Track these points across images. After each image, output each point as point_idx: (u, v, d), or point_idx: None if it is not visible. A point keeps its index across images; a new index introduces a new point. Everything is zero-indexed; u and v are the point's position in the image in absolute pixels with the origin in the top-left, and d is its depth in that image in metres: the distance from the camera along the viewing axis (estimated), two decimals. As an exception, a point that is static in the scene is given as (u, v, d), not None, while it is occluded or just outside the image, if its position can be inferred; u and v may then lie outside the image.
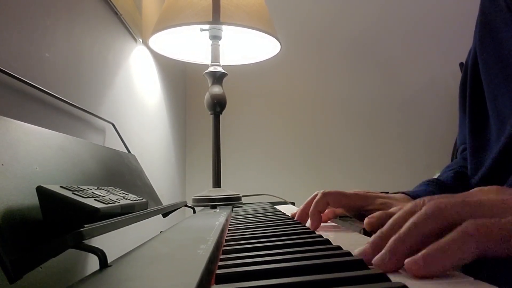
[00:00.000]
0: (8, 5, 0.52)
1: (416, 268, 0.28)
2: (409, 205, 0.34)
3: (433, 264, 0.27)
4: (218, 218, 0.60)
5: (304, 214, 0.62)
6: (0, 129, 0.36)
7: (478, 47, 0.61)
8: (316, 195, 0.61)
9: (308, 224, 0.60)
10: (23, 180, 0.35)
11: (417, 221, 0.31)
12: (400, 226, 0.32)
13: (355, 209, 0.62)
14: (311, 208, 0.59)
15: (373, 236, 0.34)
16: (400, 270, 0.30)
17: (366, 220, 0.46)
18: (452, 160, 0.80)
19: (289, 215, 0.69)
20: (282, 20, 1.69)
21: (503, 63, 0.56)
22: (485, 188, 0.35)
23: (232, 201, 1.06)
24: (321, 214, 0.59)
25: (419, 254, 0.28)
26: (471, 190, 0.36)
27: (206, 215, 0.72)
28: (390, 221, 0.34)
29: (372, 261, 0.31)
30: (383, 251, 0.31)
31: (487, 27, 0.60)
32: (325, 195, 0.60)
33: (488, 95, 0.58)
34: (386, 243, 0.31)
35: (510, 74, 0.54)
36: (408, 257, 0.29)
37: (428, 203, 0.32)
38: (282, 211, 0.81)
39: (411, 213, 0.33)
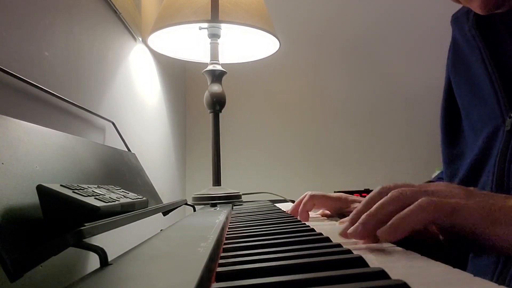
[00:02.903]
0: (8, 5, 0.51)
1: (385, 234, 0.37)
2: (378, 188, 0.45)
3: (397, 230, 0.37)
4: (218, 216, 0.60)
5: (294, 213, 0.75)
6: (0, 128, 0.36)
7: (451, 70, 0.71)
8: (305, 196, 0.75)
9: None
10: (23, 179, 0.35)
11: (384, 202, 0.40)
12: (371, 205, 0.41)
13: (337, 210, 0.76)
14: (300, 208, 0.73)
15: (350, 214, 0.45)
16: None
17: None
18: None
19: (291, 215, 0.71)
20: (281, 18, 1.69)
21: (470, 83, 0.64)
22: (435, 183, 0.46)
23: (232, 199, 1.06)
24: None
25: (387, 224, 0.38)
26: (424, 184, 0.45)
27: (206, 213, 0.72)
28: (364, 201, 0.44)
29: (348, 232, 0.41)
30: (356, 224, 0.41)
31: (457, 53, 0.69)
32: (312, 197, 0.74)
33: (462, 112, 0.67)
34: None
35: (476, 93, 0.63)
36: (376, 229, 0.38)
37: (394, 190, 0.41)
38: (282, 209, 0.81)
39: (380, 193, 0.43)
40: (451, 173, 0.67)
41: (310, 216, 0.76)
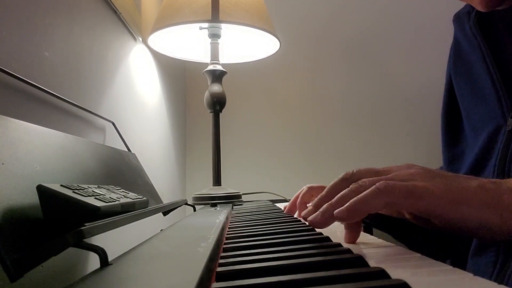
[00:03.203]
0: (8, 5, 0.51)
1: (342, 215, 0.39)
2: (342, 175, 0.47)
3: (353, 212, 0.38)
4: (219, 216, 0.60)
5: (293, 205, 0.75)
6: (0, 128, 0.36)
7: (452, 70, 0.70)
8: (302, 190, 0.74)
9: (296, 214, 0.73)
10: (24, 179, 0.35)
11: (344, 193, 0.42)
12: (334, 193, 0.44)
13: None
14: (298, 199, 0.73)
15: (314, 200, 0.47)
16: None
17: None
18: None
19: (291, 214, 0.71)
20: (281, 18, 1.69)
21: (472, 83, 0.64)
22: (401, 165, 0.45)
23: (232, 199, 1.06)
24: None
25: (344, 206, 0.39)
26: (387, 167, 0.46)
27: (206, 213, 0.72)
28: (327, 188, 0.47)
29: (308, 219, 0.43)
30: (316, 212, 0.42)
31: (458, 52, 0.69)
32: (310, 188, 0.73)
33: (463, 111, 0.67)
34: (323, 204, 0.44)
35: (477, 93, 0.63)
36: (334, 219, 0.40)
37: (355, 182, 0.42)
38: (282, 208, 0.81)
39: (342, 180, 0.46)
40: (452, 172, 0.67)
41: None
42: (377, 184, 0.39)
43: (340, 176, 0.47)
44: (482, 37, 0.62)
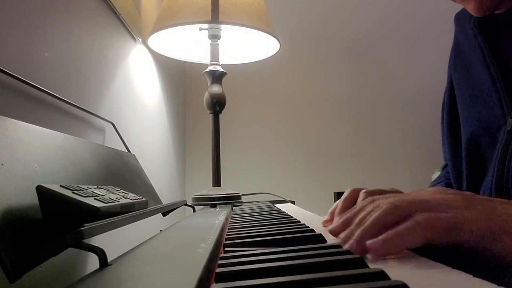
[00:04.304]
0: (8, 5, 0.51)
1: (375, 247, 0.35)
2: (363, 194, 0.45)
3: (389, 245, 0.34)
4: (218, 217, 0.60)
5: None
6: (0, 129, 0.36)
7: (452, 70, 0.70)
8: (353, 192, 0.56)
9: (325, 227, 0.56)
10: (23, 179, 0.35)
11: (377, 216, 0.38)
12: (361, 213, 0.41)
13: None
14: (337, 209, 0.56)
15: (339, 218, 0.44)
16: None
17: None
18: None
19: (291, 215, 0.67)
20: (281, 19, 1.69)
21: (470, 83, 0.64)
22: (430, 189, 0.43)
23: (231, 200, 1.06)
24: None
25: (380, 237, 0.35)
26: (418, 191, 0.43)
27: (206, 214, 0.72)
28: (353, 209, 0.44)
29: (344, 247, 0.37)
30: (351, 241, 0.37)
31: (458, 52, 0.69)
32: (369, 193, 0.54)
33: (460, 110, 0.66)
34: (351, 221, 0.41)
35: (475, 93, 0.62)
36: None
37: (387, 202, 0.39)
38: (282, 209, 0.81)
39: (369, 201, 0.42)
40: (458, 173, 0.66)
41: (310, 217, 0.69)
42: (416, 217, 0.35)
43: (363, 196, 0.44)
44: (483, 37, 0.62)
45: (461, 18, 0.69)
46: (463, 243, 0.35)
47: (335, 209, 0.57)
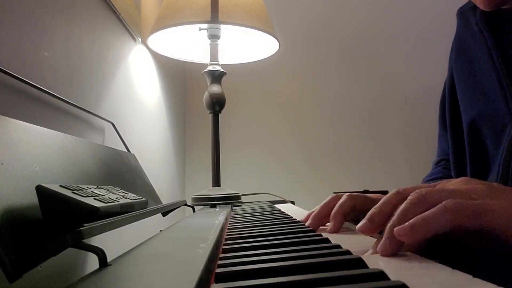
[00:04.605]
0: (8, 5, 0.51)
1: (404, 234, 0.34)
2: (395, 190, 0.41)
3: (417, 231, 0.34)
4: (218, 217, 0.60)
5: (319, 217, 0.56)
6: (0, 128, 0.36)
7: (454, 67, 0.68)
8: (335, 198, 0.56)
9: (325, 226, 0.56)
10: (23, 179, 0.35)
11: (405, 207, 0.37)
12: (390, 207, 0.39)
13: None
14: (335, 208, 0.54)
15: (368, 215, 0.41)
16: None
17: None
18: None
19: (291, 216, 0.67)
20: (281, 19, 1.69)
21: (473, 79, 0.62)
22: (454, 180, 0.41)
23: (231, 200, 1.06)
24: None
25: (407, 223, 0.34)
26: (442, 182, 0.42)
27: (205, 214, 0.72)
28: (380, 203, 0.41)
29: (377, 249, 0.36)
30: (383, 240, 0.35)
31: (460, 47, 0.67)
32: (351, 198, 0.55)
33: (461, 106, 0.65)
34: (379, 218, 0.39)
35: (478, 89, 0.61)
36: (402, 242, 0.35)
37: (414, 192, 0.38)
38: (282, 210, 0.81)
39: (397, 194, 0.40)
40: (460, 166, 0.65)
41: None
42: (444, 201, 0.35)
43: (394, 191, 0.41)
44: (489, 33, 0.60)
45: (464, 12, 0.68)
46: (490, 229, 0.35)
47: (312, 212, 0.57)
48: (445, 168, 0.78)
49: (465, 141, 0.65)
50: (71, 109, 0.67)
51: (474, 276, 0.26)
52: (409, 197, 0.37)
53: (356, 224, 0.59)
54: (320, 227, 0.57)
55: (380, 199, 0.57)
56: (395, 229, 0.34)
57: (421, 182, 0.83)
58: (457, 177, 0.64)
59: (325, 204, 0.57)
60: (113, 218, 0.36)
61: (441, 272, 0.28)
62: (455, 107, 0.69)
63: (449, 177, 0.71)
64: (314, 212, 0.57)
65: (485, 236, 0.36)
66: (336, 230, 0.52)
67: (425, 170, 1.73)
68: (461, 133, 0.66)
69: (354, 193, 0.56)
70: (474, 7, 0.65)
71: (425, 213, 0.35)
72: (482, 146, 0.60)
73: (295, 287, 0.24)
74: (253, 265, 0.28)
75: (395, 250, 0.35)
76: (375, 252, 0.36)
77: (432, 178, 0.79)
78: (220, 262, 0.31)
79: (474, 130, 0.62)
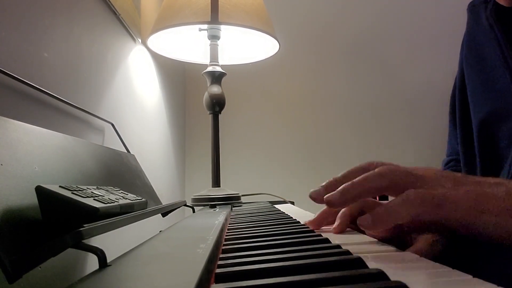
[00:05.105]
0: (7, 5, 0.51)
1: (366, 224, 0.35)
2: (363, 163, 0.42)
3: (379, 221, 0.35)
4: (218, 217, 0.60)
5: (322, 218, 0.54)
6: (-1, 129, 0.36)
7: (464, 63, 0.67)
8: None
9: (330, 227, 0.53)
10: (22, 180, 0.35)
11: (369, 175, 0.38)
12: (351, 178, 0.39)
13: None
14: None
15: (325, 182, 0.42)
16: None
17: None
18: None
19: (291, 216, 0.67)
20: (281, 19, 1.69)
21: (484, 76, 0.61)
22: (424, 167, 0.42)
23: (231, 200, 1.06)
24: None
25: (368, 214, 0.35)
26: (413, 167, 0.42)
27: (205, 214, 0.72)
28: (344, 172, 0.42)
29: (324, 198, 0.38)
30: (335, 191, 0.38)
31: (471, 43, 0.66)
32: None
33: (470, 104, 0.63)
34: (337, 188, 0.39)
35: (489, 86, 0.59)
36: (354, 201, 0.38)
37: (382, 166, 0.39)
38: (282, 210, 0.81)
39: (363, 169, 0.41)
40: (471, 167, 0.63)
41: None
42: (406, 193, 0.36)
43: (362, 164, 0.42)
44: (499, 28, 0.59)
45: (475, 7, 0.66)
46: (449, 219, 0.36)
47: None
48: (454, 170, 0.76)
49: (474, 140, 0.63)
50: (70, 110, 0.67)
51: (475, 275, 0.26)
52: (377, 168, 0.38)
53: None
54: (323, 228, 0.55)
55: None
56: (358, 219, 0.36)
57: None
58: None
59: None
60: (113, 219, 0.36)
61: (441, 271, 0.28)
62: (466, 105, 0.67)
63: None
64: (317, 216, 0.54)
65: (445, 226, 0.37)
66: (340, 231, 0.50)
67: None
68: (471, 131, 0.65)
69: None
70: (486, 1, 0.63)
71: (387, 203, 0.36)
72: (493, 144, 0.58)
73: (295, 287, 0.24)
74: (253, 265, 0.28)
75: (339, 204, 0.38)
76: (317, 197, 0.41)
77: None
78: (220, 262, 0.31)
79: (484, 128, 0.60)
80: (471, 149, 0.65)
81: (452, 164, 0.79)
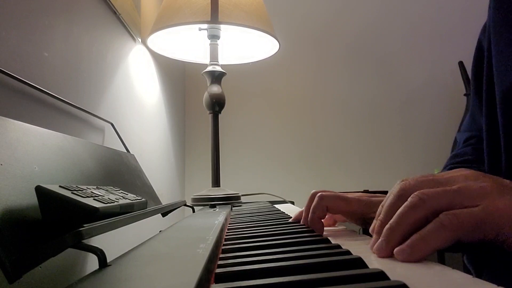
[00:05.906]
0: (7, 5, 0.51)
1: (403, 255, 0.34)
2: (397, 188, 0.39)
3: (416, 251, 0.33)
4: (218, 217, 0.60)
5: (305, 221, 0.55)
6: (-1, 129, 0.36)
7: (491, 23, 0.58)
8: (309, 201, 0.55)
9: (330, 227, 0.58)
10: (22, 179, 0.35)
11: (403, 211, 0.36)
12: (393, 212, 0.37)
13: (356, 216, 0.56)
14: (309, 215, 0.53)
15: (374, 225, 0.40)
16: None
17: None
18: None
19: (291, 216, 0.66)
20: (281, 19, 1.69)
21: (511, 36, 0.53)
22: (465, 172, 0.39)
23: (231, 200, 1.06)
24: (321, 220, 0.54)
25: (405, 243, 0.34)
26: (453, 172, 0.40)
27: (205, 214, 0.72)
28: (384, 208, 0.39)
29: (373, 249, 0.36)
30: (379, 240, 0.36)
31: (501, 10, 0.57)
32: (321, 199, 0.54)
33: (496, 74, 0.56)
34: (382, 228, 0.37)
35: None
36: (400, 242, 0.34)
37: (413, 194, 0.36)
38: (282, 210, 0.81)
39: (399, 197, 0.38)
40: (494, 145, 0.57)
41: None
42: (440, 217, 0.34)
43: (396, 190, 0.39)
44: None
45: None
46: (493, 237, 0.34)
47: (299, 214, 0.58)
48: (476, 148, 0.70)
49: (498, 114, 0.56)
50: (70, 110, 0.67)
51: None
52: (409, 199, 0.36)
53: (363, 227, 0.58)
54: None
55: (356, 200, 0.56)
56: (395, 251, 0.34)
57: (448, 159, 0.74)
58: (489, 158, 0.58)
59: (306, 207, 0.56)
60: (112, 219, 0.36)
61: (441, 272, 0.28)
62: (491, 76, 0.60)
63: (481, 158, 0.64)
64: (302, 217, 0.57)
65: (491, 240, 0.34)
66: (321, 233, 0.50)
67: (425, 170, 1.73)
68: (495, 105, 0.57)
69: (324, 193, 0.55)
70: None
71: (423, 231, 0.34)
72: None
73: (295, 287, 0.24)
74: (253, 265, 0.28)
75: (389, 253, 0.35)
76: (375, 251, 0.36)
77: (465, 158, 0.71)
78: (220, 262, 0.31)
79: (509, 100, 0.54)
80: (495, 123, 0.59)
81: (473, 141, 0.72)
